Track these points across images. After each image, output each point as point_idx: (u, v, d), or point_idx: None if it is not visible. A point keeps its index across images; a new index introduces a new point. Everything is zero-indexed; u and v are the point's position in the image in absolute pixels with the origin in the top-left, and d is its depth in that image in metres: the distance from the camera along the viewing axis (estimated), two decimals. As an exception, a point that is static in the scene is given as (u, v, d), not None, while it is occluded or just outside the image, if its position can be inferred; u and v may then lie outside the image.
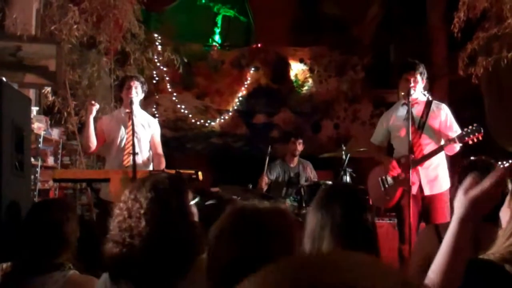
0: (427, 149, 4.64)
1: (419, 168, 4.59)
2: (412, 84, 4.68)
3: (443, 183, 4.66)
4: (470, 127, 4.43)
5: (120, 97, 5.28)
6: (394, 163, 4.74)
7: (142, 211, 2.00)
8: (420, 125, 4.70)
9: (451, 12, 7.02)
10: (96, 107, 4.80)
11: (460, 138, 4.45)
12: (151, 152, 5.05)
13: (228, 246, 1.50)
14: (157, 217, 2.00)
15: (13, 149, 2.86)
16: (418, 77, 4.73)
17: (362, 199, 2.35)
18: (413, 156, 4.55)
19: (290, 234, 1.59)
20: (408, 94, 4.62)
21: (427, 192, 4.59)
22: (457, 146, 4.55)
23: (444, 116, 4.73)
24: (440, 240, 2.35)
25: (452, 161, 4.89)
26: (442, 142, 4.64)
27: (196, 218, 2.30)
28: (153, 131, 5.10)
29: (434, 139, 4.70)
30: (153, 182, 2.08)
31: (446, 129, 4.68)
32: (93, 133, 4.83)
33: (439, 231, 2.62)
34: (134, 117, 4.65)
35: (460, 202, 1.34)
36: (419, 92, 4.79)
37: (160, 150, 5.11)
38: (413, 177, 4.52)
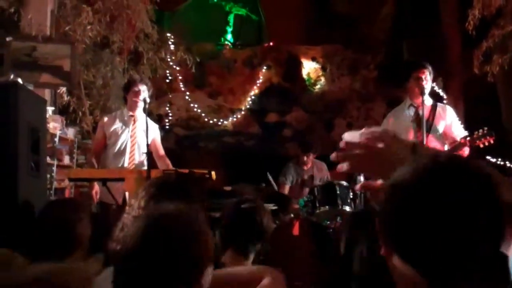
0: (434, 145, 4.62)
1: None
2: (424, 82, 4.66)
3: None
4: (481, 130, 4.39)
5: (125, 98, 5.27)
6: None
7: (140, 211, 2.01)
8: (428, 127, 4.67)
9: (465, 9, 6.99)
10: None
11: (471, 141, 4.41)
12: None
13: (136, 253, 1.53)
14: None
15: (29, 150, 2.90)
16: (428, 75, 4.70)
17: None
18: None
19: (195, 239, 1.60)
20: (421, 93, 4.59)
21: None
22: (466, 150, 4.51)
23: (449, 119, 4.70)
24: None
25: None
26: (446, 146, 4.62)
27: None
28: (154, 136, 5.11)
29: (440, 141, 4.68)
30: (159, 186, 2.08)
31: (451, 131, 4.65)
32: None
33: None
34: (137, 121, 4.71)
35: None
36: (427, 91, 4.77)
37: (162, 151, 5.12)
38: None
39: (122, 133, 4.94)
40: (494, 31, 6.76)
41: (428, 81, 4.70)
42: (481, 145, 4.39)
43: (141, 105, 4.83)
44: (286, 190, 6.53)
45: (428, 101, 4.82)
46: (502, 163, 7.59)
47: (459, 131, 4.67)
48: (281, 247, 4.78)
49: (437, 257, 0.91)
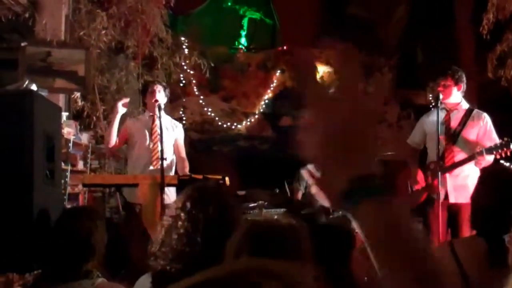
0: (458, 158, 4.57)
1: (447, 175, 4.52)
2: (441, 88, 4.63)
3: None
4: (500, 140, 4.35)
5: (144, 102, 5.34)
6: (421, 176, 4.70)
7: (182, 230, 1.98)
8: (455, 135, 4.61)
9: (479, 13, 6.93)
10: (121, 106, 4.88)
11: (488, 151, 4.36)
12: (174, 156, 5.09)
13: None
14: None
15: (44, 158, 2.90)
16: (449, 82, 4.63)
17: None
18: (441, 163, 4.50)
19: (303, 250, 1.58)
20: (436, 101, 4.57)
21: (452, 199, 4.49)
22: (488, 158, 4.43)
23: (483, 126, 4.61)
24: (456, 258, 2.25)
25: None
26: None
27: None
28: (177, 135, 5.15)
29: (466, 150, 4.59)
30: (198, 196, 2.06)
31: (484, 139, 4.57)
32: (115, 130, 4.94)
33: (454, 248, 2.35)
34: (158, 120, 4.69)
35: None
36: (457, 97, 4.69)
37: (183, 153, 5.15)
38: (440, 183, 4.46)
39: (144, 133, 4.99)
40: (508, 35, 6.70)
41: (449, 88, 4.63)
42: (498, 156, 4.34)
43: (161, 104, 4.84)
44: (299, 195, 6.51)
45: (464, 105, 4.75)
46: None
47: (489, 140, 4.55)
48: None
49: None
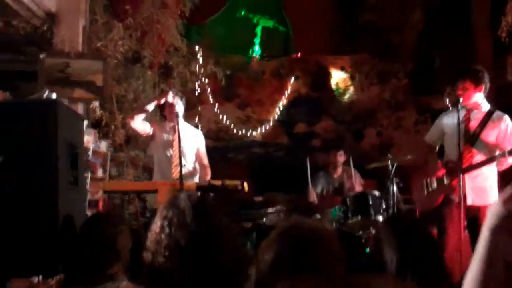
0: (476, 159, 4.54)
1: (466, 176, 4.42)
2: (460, 91, 4.60)
3: (491, 195, 4.49)
4: None
5: (163, 115, 5.41)
6: (440, 164, 4.66)
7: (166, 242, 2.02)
8: (474, 137, 4.58)
9: (497, 16, 6.91)
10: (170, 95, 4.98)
11: (510, 153, 4.32)
12: (197, 164, 5.17)
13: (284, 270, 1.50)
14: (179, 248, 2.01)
15: (68, 166, 2.96)
16: (468, 84, 4.60)
17: None
18: (456, 161, 4.47)
19: (337, 255, 1.59)
20: (455, 104, 4.54)
21: (469, 201, 4.40)
22: (510, 160, 4.40)
23: (504, 128, 4.57)
24: None
25: (503, 174, 4.72)
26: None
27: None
28: (199, 144, 5.23)
29: (484, 152, 4.55)
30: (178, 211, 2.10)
31: (504, 141, 4.53)
32: (144, 114, 5.10)
33: None
34: (179, 131, 4.75)
35: (495, 211, 1.11)
36: (478, 98, 4.65)
37: (206, 161, 5.25)
38: (457, 184, 4.40)
39: (166, 142, 5.08)
40: (527, 38, 6.67)
41: (468, 91, 4.60)
42: None
43: (180, 114, 4.93)
44: (313, 196, 6.51)
45: (485, 106, 4.71)
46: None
47: (510, 143, 4.51)
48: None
49: None
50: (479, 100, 4.65)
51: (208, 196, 4.33)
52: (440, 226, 4.59)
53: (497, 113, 4.65)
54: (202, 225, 2.05)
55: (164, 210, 2.12)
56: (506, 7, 6.53)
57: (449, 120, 4.76)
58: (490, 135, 4.56)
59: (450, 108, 4.79)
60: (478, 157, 4.55)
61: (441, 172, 4.66)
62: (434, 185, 4.72)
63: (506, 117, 4.65)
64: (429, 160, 4.94)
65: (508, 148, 4.40)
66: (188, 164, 5.13)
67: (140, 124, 5.10)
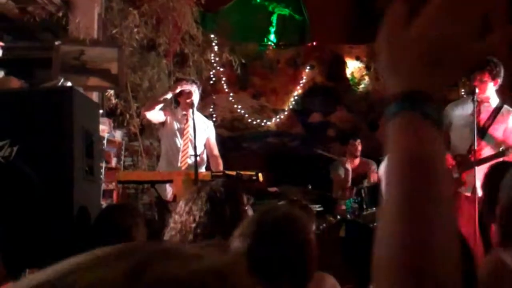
0: (484, 152, 4.48)
1: (476, 168, 4.36)
2: (477, 82, 4.54)
3: None
4: None
5: (177, 100, 5.37)
6: (449, 157, 4.59)
7: (193, 225, 2.00)
8: (483, 130, 4.53)
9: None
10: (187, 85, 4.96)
11: None
12: (204, 154, 5.14)
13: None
14: (208, 231, 1.99)
15: (84, 155, 2.93)
16: (486, 77, 4.53)
17: None
18: (466, 154, 4.42)
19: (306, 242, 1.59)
20: (473, 93, 4.47)
21: (480, 193, 4.35)
22: None
23: (511, 123, 4.55)
24: None
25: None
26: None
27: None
28: (209, 134, 5.20)
29: (492, 145, 4.52)
30: (209, 194, 2.07)
31: (511, 136, 4.49)
32: (161, 104, 5.05)
33: None
34: (192, 120, 4.72)
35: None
36: (490, 92, 4.60)
37: (216, 151, 5.21)
38: (467, 177, 4.37)
39: (176, 130, 5.05)
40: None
41: (485, 84, 4.53)
42: None
43: (195, 104, 4.90)
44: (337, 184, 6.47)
45: (495, 99, 4.65)
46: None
47: None
48: (328, 249, 4.74)
49: None
50: (492, 93, 4.60)
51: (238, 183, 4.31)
52: None
53: (506, 107, 4.61)
54: (234, 210, 2.05)
55: (195, 194, 2.09)
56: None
57: (458, 111, 4.70)
58: (498, 130, 4.52)
59: (464, 96, 4.71)
60: (486, 150, 4.48)
61: (450, 163, 4.58)
62: None
63: None
64: None
65: None
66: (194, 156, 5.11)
67: (156, 115, 5.08)
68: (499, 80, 4.56)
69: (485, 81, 4.52)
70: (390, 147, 0.69)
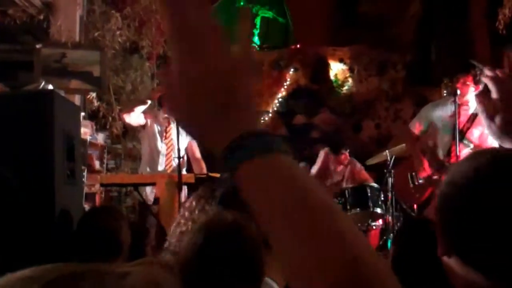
0: (464, 154, 4.52)
1: None
2: (459, 85, 4.59)
3: None
4: None
5: (160, 102, 5.35)
6: (426, 165, 4.64)
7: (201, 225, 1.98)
8: (462, 133, 4.58)
9: (494, 8, 6.87)
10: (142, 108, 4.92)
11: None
12: (185, 158, 5.12)
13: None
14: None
15: (65, 158, 2.92)
16: (469, 81, 4.60)
17: None
18: (445, 157, 4.47)
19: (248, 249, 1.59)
20: (454, 95, 4.52)
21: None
22: None
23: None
24: None
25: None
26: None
27: None
28: (190, 138, 5.18)
29: (471, 148, 4.58)
30: (221, 196, 2.05)
31: (486, 142, 4.51)
32: (139, 111, 5.04)
33: None
34: (173, 123, 4.72)
35: None
36: (471, 96, 4.65)
37: (198, 154, 5.20)
38: None
39: (157, 133, 5.03)
40: (525, 30, 6.63)
41: (468, 87, 4.59)
42: None
43: None
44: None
45: (473, 105, 4.70)
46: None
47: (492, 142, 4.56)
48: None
49: (505, 258, 0.86)
50: (471, 98, 4.67)
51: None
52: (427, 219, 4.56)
53: None
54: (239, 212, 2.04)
55: (209, 193, 2.07)
56: (503, 0, 6.48)
57: (439, 112, 4.76)
58: (474, 134, 4.58)
59: (445, 95, 4.78)
60: (465, 152, 4.53)
61: (427, 173, 4.63)
62: (421, 178, 4.70)
63: None
64: (413, 153, 4.91)
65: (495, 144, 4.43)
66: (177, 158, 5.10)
67: (135, 118, 5.05)
68: (481, 86, 4.61)
69: (468, 85, 4.57)
70: (260, 197, 0.64)
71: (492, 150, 0.94)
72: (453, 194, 0.94)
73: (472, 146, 4.56)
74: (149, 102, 5.07)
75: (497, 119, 1.06)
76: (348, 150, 6.64)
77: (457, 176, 0.94)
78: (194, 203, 2.03)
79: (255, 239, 1.59)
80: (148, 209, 4.77)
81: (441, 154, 4.62)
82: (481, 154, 0.97)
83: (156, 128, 5.11)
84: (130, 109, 5.13)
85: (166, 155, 5.03)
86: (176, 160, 4.88)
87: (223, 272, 1.51)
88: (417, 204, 4.78)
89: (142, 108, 5.03)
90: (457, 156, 4.38)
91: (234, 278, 1.51)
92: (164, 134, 5.08)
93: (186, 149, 5.11)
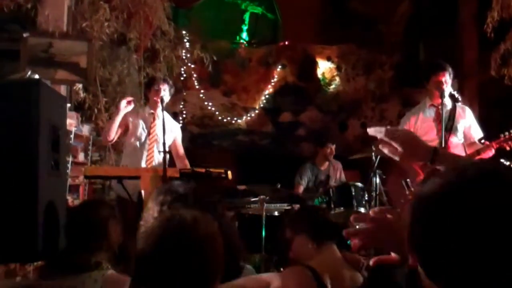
0: (455, 152, 4.58)
1: None
2: (444, 85, 4.63)
3: None
4: (507, 133, 4.36)
5: (147, 96, 5.33)
6: (418, 169, 4.66)
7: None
8: (449, 127, 4.66)
9: (483, 11, 6.91)
10: (124, 105, 4.85)
11: (498, 143, 4.38)
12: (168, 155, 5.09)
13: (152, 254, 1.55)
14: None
15: (50, 149, 2.88)
16: (448, 78, 4.69)
17: None
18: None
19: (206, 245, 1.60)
20: (441, 96, 4.56)
21: None
22: (492, 151, 4.49)
23: (468, 119, 4.76)
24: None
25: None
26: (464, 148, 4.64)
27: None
28: (175, 134, 5.17)
29: (461, 142, 4.69)
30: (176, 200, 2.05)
31: (470, 132, 4.73)
32: (116, 126, 4.92)
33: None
34: (157, 119, 4.69)
35: None
36: (448, 93, 4.77)
37: (182, 152, 5.19)
38: None
39: (141, 129, 4.99)
40: (512, 33, 6.67)
41: (448, 84, 4.68)
42: (508, 148, 4.37)
43: (163, 102, 4.87)
44: (301, 190, 6.51)
45: (448, 102, 4.81)
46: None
47: (476, 133, 4.72)
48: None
49: (464, 276, 0.87)
50: (448, 95, 4.76)
51: (204, 184, 4.27)
52: None
53: (459, 105, 4.91)
54: (204, 211, 2.03)
55: (161, 196, 2.07)
56: (492, 2, 6.52)
57: (419, 117, 4.83)
58: (459, 126, 4.69)
59: (420, 104, 4.86)
60: (457, 150, 4.58)
61: (421, 174, 4.65)
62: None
63: (467, 108, 4.88)
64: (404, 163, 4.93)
65: (478, 136, 4.59)
66: (161, 154, 5.06)
67: (115, 134, 4.99)
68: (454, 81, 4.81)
69: (448, 82, 4.66)
70: None
71: (463, 168, 0.95)
72: (418, 209, 0.96)
73: (462, 138, 4.66)
74: (121, 108, 4.95)
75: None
76: (334, 145, 6.66)
77: (426, 191, 0.96)
78: (154, 207, 2.04)
79: (210, 236, 1.61)
80: (128, 203, 4.72)
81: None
82: (452, 171, 0.98)
83: (142, 124, 5.06)
84: (108, 130, 5.04)
85: (148, 150, 5.00)
86: (157, 156, 4.86)
87: (175, 266, 1.52)
88: None
89: (117, 120, 4.95)
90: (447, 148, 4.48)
91: (184, 273, 1.51)
92: (149, 130, 5.05)
93: (170, 147, 5.09)
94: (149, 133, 5.02)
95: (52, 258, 2.62)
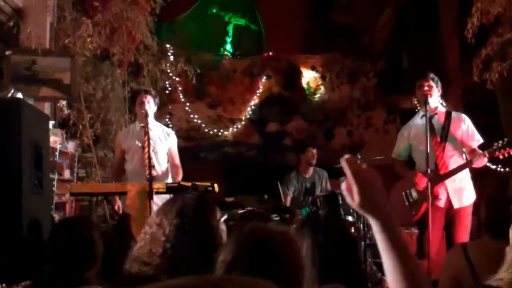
0: (451, 162, 4.58)
1: (446, 181, 4.54)
2: (426, 88, 4.65)
3: (470, 195, 4.60)
4: (501, 142, 4.38)
5: (134, 111, 5.34)
6: (420, 175, 4.67)
7: (163, 239, 1.97)
8: (443, 136, 4.64)
9: (464, 17, 6.98)
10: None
11: (491, 152, 4.39)
12: (169, 164, 5.10)
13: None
14: (179, 243, 1.97)
15: (32, 167, 2.87)
16: (432, 83, 4.69)
17: None
18: (434, 169, 4.51)
19: (297, 259, 1.60)
20: (425, 102, 4.57)
21: (456, 205, 4.51)
22: (485, 160, 4.49)
23: (465, 126, 4.67)
24: (468, 260, 2.32)
25: (475, 173, 4.81)
26: (464, 155, 4.62)
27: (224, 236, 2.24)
28: (171, 143, 5.15)
29: (458, 150, 4.64)
30: (180, 208, 2.04)
31: (468, 139, 4.63)
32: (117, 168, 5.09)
33: (467, 251, 2.52)
34: (150, 131, 4.67)
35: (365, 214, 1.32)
36: (436, 101, 4.75)
37: (177, 161, 5.17)
38: (440, 190, 4.49)
39: (136, 146, 4.98)
40: (493, 38, 6.74)
41: (432, 89, 4.68)
42: (501, 157, 4.38)
43: (150, 114, 4.86)
44: (288, 201, 6.50)
45: (441, 108, 4.82)
46: (502, 169, 7.59)
47: (476, 138, 4.65)
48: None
49: None
50: (437, 103, 4.78)
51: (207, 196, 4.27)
52: (424, 231, 4.62)
53: (455, 113, 4.84)
54: (202, 226, 2.02)
55: (173, 211, 2.05)
56: (472, 9, 6.60)
57: (413, 131, 4.84)
58: (456, 134, 4.66)
59: (417, 109, 4.85)
60: (453, 159, 4.59)
61: (423, 182, 4.65)
62: (414, 194, 4.72)
63: (465, 116, 4.79)
64: (403, 174, 4.94)
65: (476, 143, 4.53)
66: (162, 164, 5.05)
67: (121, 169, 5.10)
68: (440, 89, 4.76)
69: (432, 87, 4.66)
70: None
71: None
72: None
73: (456, 144, 4.64)
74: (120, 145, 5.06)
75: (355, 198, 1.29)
76: (315, 149, 6.66)
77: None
78: (153, 218, 2.03)
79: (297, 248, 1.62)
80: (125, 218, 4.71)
81: (423, 166, 4.63)
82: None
83: (136, 142, 5.04)
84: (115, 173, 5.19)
85: (146, 165, 5.00)
86: (157, 169, 4.85)
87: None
88: (414, 220, 4.81)
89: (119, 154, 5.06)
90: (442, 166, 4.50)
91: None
92: (143, 144, 5.03)
93: (167, 155, 5.11)
94: (143, 148, 5.00)
95: (40, 278, 2.60)
